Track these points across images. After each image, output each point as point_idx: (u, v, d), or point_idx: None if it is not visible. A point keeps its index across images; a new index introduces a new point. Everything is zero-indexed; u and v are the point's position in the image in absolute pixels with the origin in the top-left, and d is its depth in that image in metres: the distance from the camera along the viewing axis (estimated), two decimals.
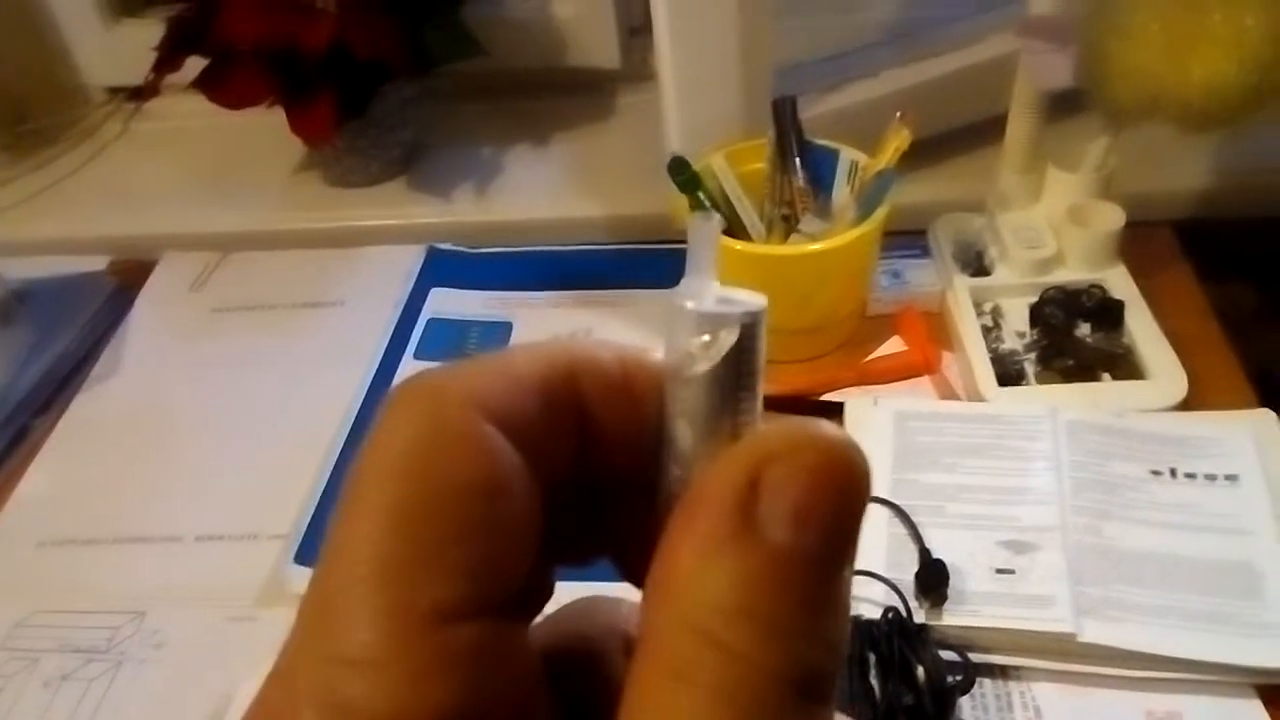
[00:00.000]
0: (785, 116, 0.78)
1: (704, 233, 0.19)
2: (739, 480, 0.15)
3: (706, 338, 0.17)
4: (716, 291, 0.18)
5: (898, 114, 0.74)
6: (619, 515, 0.19)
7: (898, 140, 0.73)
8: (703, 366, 0.17)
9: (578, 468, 0.19)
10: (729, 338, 0.17)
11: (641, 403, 0.19)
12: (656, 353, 0.19)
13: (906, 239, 0.84)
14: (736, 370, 0.17)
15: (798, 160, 0.78)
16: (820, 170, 0.79)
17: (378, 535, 0.16)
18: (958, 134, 0.91)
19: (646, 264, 0.90)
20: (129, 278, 0.94)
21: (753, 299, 0.18)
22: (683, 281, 0.18)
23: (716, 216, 0.19)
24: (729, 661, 0.15)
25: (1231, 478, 0.64)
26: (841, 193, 0.78)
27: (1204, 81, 0.69)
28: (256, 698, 0.17)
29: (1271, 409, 0.70)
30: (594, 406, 0.18)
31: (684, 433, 0.18)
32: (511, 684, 0.16)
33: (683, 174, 0.75)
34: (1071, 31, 0.71)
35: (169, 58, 0.93)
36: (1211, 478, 0.64)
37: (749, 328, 0.17)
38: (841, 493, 0.16)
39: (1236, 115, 0.71)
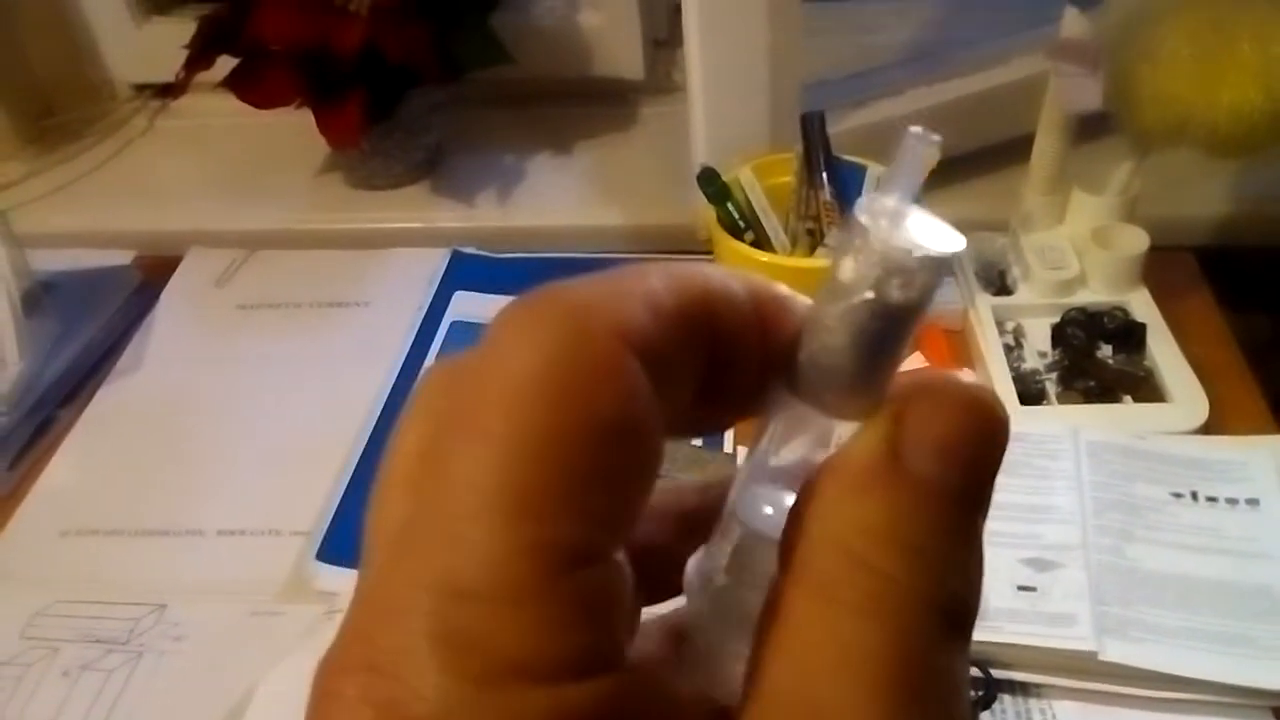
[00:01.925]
0: (814, 131, 0.79)
1: (916, 153, 0.17)
2: (886, 417, 0.16)
3: (900, 277, 0.16)
4: (917, 221, 0.16)
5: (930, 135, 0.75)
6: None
7: (925, 159, 0.73)
8: (895, 298, 0.16)
9: (695, 402, 0.18)
10: (930, 276, 0.16)
11: (770, 340, 0.17)
12: (788, 291, 0.18)
13: None
14: (919, 310, 0.16)
15: (825, 175, 0.78)
16: (846, 186, 0.79)
17: (508, 465, 0.14)
18: (981, 154, 0.91)
19: None
20: (154, 272, 0.95)
21: (949, 234, 0.16)
22: (878, 198, 0.16)
23: (936, 138, 0.17)
24: (878, 581, 0.15)
25: (1252, 502, 0.64)
26: None
27: (1231, 108, 0.69)
28: (345, 631, 0.15)
29: None
30: (723, 341, 0.17)
31: (830, 369, 0.16)
32: (627, 630, 0.16)
33: (713, 185, 0.75)
34: (1102, 55, 0.72)
35: (200, 56, 0.93)
36: (1233, 501, 0.64)
37: (948, 265, 0.16)
38: (983, 433, 0.16)
39: (1263, 143, 0.71)
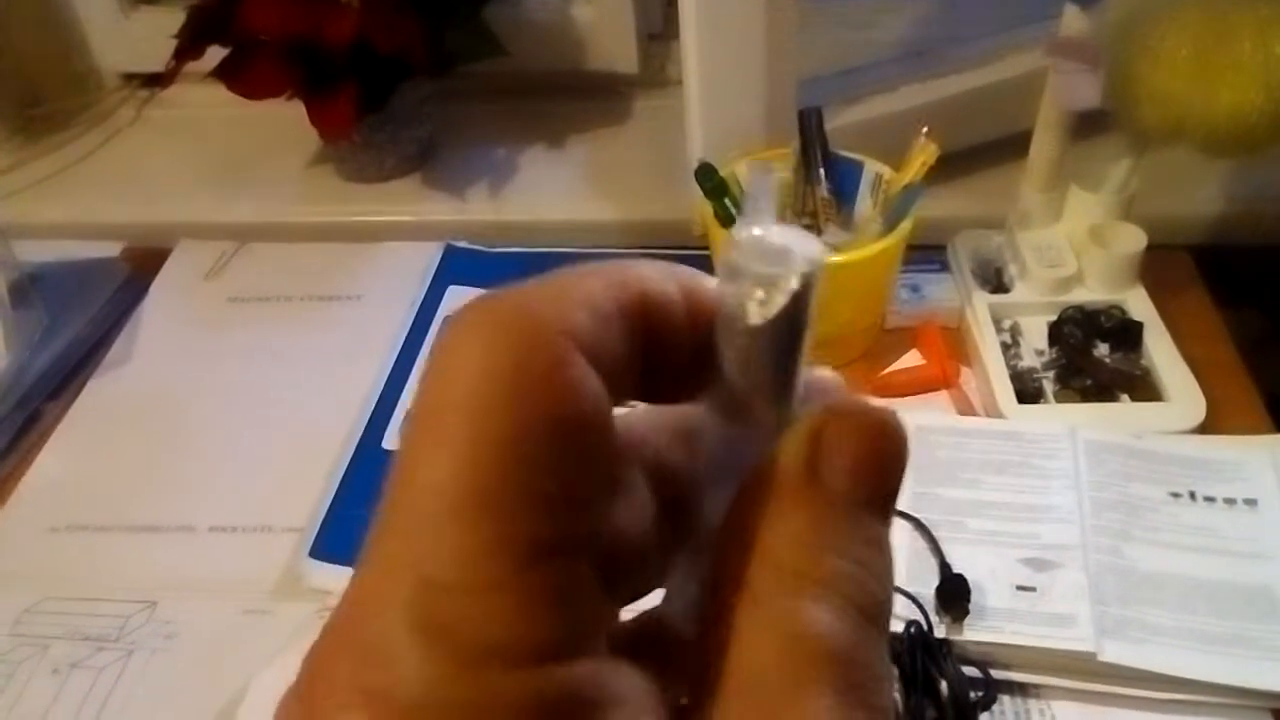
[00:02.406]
0: (811, 127, 0.79)
1: (763, 183, 0.19)
2: (804, 438, 0.18)
3: (762, 293, 0.17)
4: (774, 237, 0.17)
5: (923, 129, 0.75)
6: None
7: (924, 155, 0.73)
8: (756, 320, 0.17)
9: (637, 393, 0.19)
10: (783, 295, 0.17)
11: (698, 336, 0.19)
12: (713, 286, 0.19)
13: (926, 254, 0.85)
14: (790, 324, 0.17)
15: (822, 171, 0.78)
16: (844, 182, 0.79)
17: (471, 467, 0.15)
18: (978, 150, 0.91)
19: None
20: (143, 264, 0.94)
21: (811, 248, 0.17)
22: (739, 226, 0.18)
23: (775, 168, 0.19)
24: (807, 586, 0.17)
25: (1251, 502, 0.64)
26: (864, 205, 0.79)
27: (1231, 108, 0.69)
28: (335, 619, 0.16)
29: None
30: (658, 337, 0.18)
31: (735, 380, 0.18)
32: (595, 624, 0.17)
33: (710, 180, 0.75)
34: (1101, 53, 0.72)
35: (190, 46, 0.92)
36: (1231, 501, 0.64)
37: (807, 280, 0.17)
38: (888, 453, 0.18)
39: (1262, 143, 0.71)
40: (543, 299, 0.17)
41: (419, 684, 0.15)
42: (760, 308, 0.17)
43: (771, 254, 0.17)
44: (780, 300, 0.17)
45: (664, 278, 0.18)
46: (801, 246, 0.17)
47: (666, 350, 0.18)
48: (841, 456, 0.18)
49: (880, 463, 0.18)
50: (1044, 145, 0.79)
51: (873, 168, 0.78)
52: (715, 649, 0.17)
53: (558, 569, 0.16)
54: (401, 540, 0.16)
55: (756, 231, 0.17)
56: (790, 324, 0.17)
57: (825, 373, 0.20)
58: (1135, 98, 0.72)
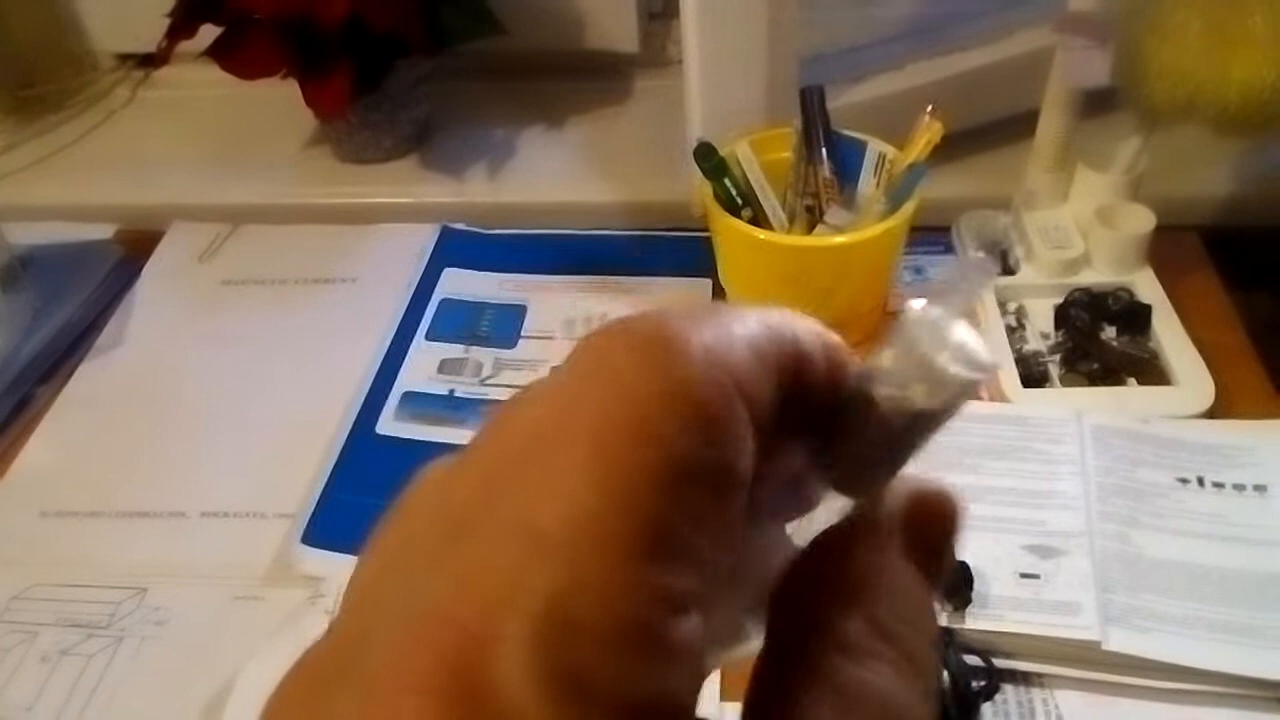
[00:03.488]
0: (813, 106, 0.77)
1: (975, 278, 0.18)
2: (902, 510, 0.19)
3: (926, 386, 0.17)
4: (959, 339, 0.17)
5: (929, 108, 0.73)
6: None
7: (929, 134, 0.72)
8: (919, 403, 0.17)
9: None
10: (955, 398, 0.17)
11: (833, 401, 0.18)
12: (855, 359, 0.19)
13: (930, 235, 0.83)
14: (938, 419, 0.18)
15: (824, 151, 0.77)
16: (846, 162, 0.77)
17: (631, 496, 0.13)
18: (983, 130, 0.90)
19: (662, 250, 0.89)
20: (136, 247, 0.92)
21: (985, 359, 0.17)
22: (929, 307, 0.17)
23: (996, 269, 0.18)
24: (896, 650, 0.17)
25: (1260, 488, 0.63)
26: (867, 185, 0.77)
27: (1242, 84, 0.67)
28: (402, 645, 0.14)
29: None
30: (797, 399, 0.17)
31: (858, 452, 0.18)
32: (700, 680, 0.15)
33: (710, 160, 0.73)
34: (1110, 29, 0.70)
35: (183, 25, 0.91)
36: (1240, 487, 0.63)
37: (974, 388, 0.17)
38: (955, 529, 0.20)
39: (1273, 120, 0.70)
40: (711, 331, 0.15)
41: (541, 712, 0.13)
42: (926, 396, 0.17)
43: (956, 348, 0.17)
44: (948, 397, 0.17)
45: (814, 336, 0.17)
46: (983, 352, 0.17)
47: (800, 411, 0.17)
48: (931, 529, 0.19)
49: (949, 541, 0.19)
50: (1051, 124, 0.77)
51: (876, 147, 0.77)
52: (813, 693, 0.16)
53: (693, 628, 0.14)
54: (536, 563, 0.13)
55: (950, 323, 0.17)
56: (939, 419, 0.18)
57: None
58: (1145, 74, 0.70)
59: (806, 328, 0.17)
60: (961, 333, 0.17)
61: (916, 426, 0.18)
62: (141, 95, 1.13)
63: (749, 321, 0.16)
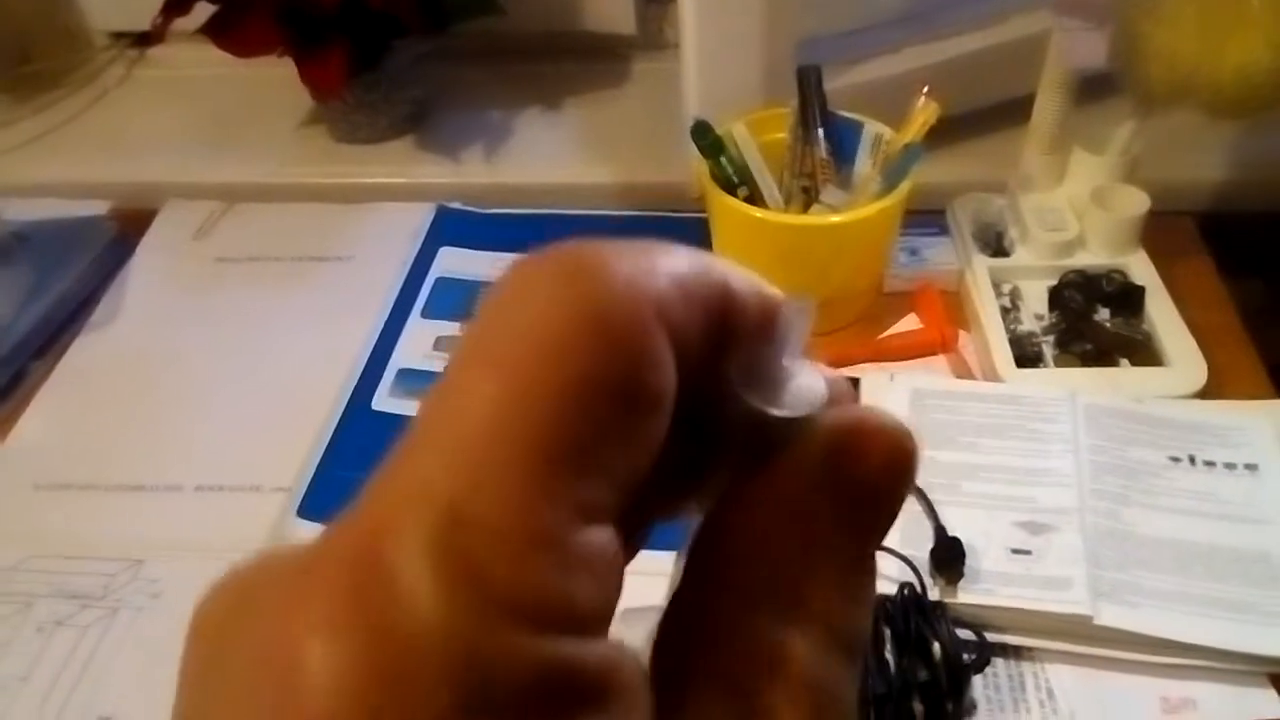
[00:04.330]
0: (810, 86, 0.77)
1: (799, 316, 0.18)
2: (825, 442, 0.17)
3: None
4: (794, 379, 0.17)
5: (924, 89, 0.73)
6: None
7: (925, 114, 0.72)
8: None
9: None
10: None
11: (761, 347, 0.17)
12: (780, 298, 0.18)
13: (926, 218, 0.83)
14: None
15: (821, 131, 0.77)
16: (842, 142, 0.78)
17: (540, 407, 0.14)
18: (979, 114, 0.90)
19: (657, 231, 0.88)
20: (130, 224, 0.92)
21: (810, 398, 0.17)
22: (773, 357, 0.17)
23: (809, 304, 0.18)
24: (793, 609, 0.17)
25: (1251, 467, 0.63)
26: (863, 165, 0.77)
27: (1237, 66, 0.68)
28: (330, 537, 0.14)
29: None
30: (724, 340, 0.17)
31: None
32: (617, 601, 0.15)
33: (707, 138, 0.73)
34: (1108, 11, 0.70)
35: (178, 2, 0.91)
36: (1231, 466, 0.63)
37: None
38: (907, 469, 0.18)
39: (1269, 102, 0.70)
40: (633, 261, 0.15)
41: (429, 621, 0.13)
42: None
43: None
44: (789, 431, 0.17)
45: (747, 283, 0.17)
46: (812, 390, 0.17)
47: (723, 360, 0.17)
48: (865, 467, 0.17)
49: (899, 480, 0.17)
50: (1047, 106, 0.77)
51: (872, 128, 0.77)
52: (697, 644, 0.16)
53: (603, 540, 0.14)
54: (440, 467, 0.14)
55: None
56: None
57: (841, 380, 0.18)
58: (1141, 57, 0.71)
59: (740, 273, 0.17)
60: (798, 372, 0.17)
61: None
62: (137, 74, 1.13)
63: (676, 256, 0.16)
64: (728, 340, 0.17)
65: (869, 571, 0.17)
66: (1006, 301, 0.76)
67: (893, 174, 0.73)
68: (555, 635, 0.14)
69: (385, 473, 0.15)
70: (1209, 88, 0.69)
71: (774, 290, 0.18)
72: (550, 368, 0.14)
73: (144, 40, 1.11)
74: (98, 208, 0.93)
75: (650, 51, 1.09)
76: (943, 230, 0.84)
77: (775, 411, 0.17)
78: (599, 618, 0.14)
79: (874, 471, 0.17)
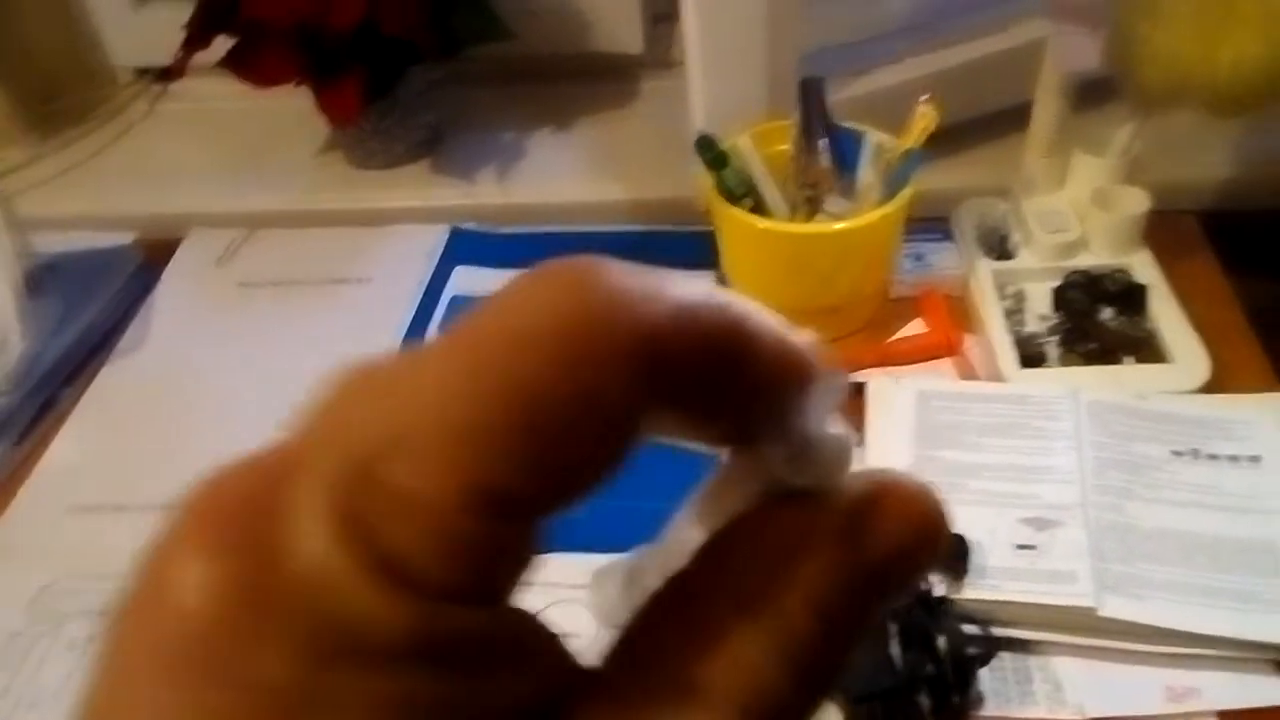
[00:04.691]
0: (812, 97, 0.79)
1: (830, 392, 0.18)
2: (856, 499, 0.17)
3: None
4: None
5: (923, 96, 0.75)
6: None
7: (924, 121, 0.73)
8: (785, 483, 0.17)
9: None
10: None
11: (776, 400, 0.17)
12: (810, 348, 0.18)
13: (930, 224, 0.85)
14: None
15: (824, 141, 0.78)
16: (845, 152, 0.79)
17: (487, 390, 0.14)
18: (982, 121, 0.91)
19: (668, 246, 0.90)
20: (156, 253, 0.95)
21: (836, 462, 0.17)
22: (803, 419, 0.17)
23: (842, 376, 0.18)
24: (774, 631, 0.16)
25: (1254, 459, 0.64)
26: (866, 174, 0.78)
27: (1233, 64, 0.69)
28: (238, 463, 0.15)
29: None
30: (732, 390, 0.16)
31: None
32: (521, 575, 0.16)
33: (710, 152, 0.75)
34: (1102, 14, 0.71)
35: (198, 36, 0.93)
36: (1234, 459, 0.64)
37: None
38: (931, 543, 0.18)
39: (1262, 100, 0.71)
40: (635, 283, 0.15)
41: (308, 563, 0.13)
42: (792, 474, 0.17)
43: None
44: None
45: (763, 328, 0.17)
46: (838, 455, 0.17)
47: (734, 389, 0.17)
48: (887, 532, 0.17)
49: (922, 554, 0.17)
50: (1046, 110, 0.79)
51: (874, 137, 0.78)
52: (680, 630, 0.16)
53: (510, 534, 0.14)
54: (371, 421, 0.14)
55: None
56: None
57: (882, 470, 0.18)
58: (1137, 58, 0.72)
59: (761, 316, 0.17)
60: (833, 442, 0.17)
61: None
62: (160, 108, 1.16)
63: (686, 287, 0.16)
64: (742, 382, 0.16)
65: (861, 630, 0.17)
66: (1011, 303, 0.77)
67: (894, 181, 0.74)
68: (436, 603, 0.14)
69: (328, 406, 0.15)
70: (1205, 87, 0.70)
71: (802, 338, 0.17)
72: (511, 364, 0.14)
73: (166, 75, 1.13)
74: (123, 238, 0.96)
75: (658, 70, 1.10)
76: (947, 236, 0.85)
77: (796, 479, 0.17)
78: (489, 594, 0.15)
79: (899, 536, 0.17)
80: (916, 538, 0.17)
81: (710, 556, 0.17)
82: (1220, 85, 0.69)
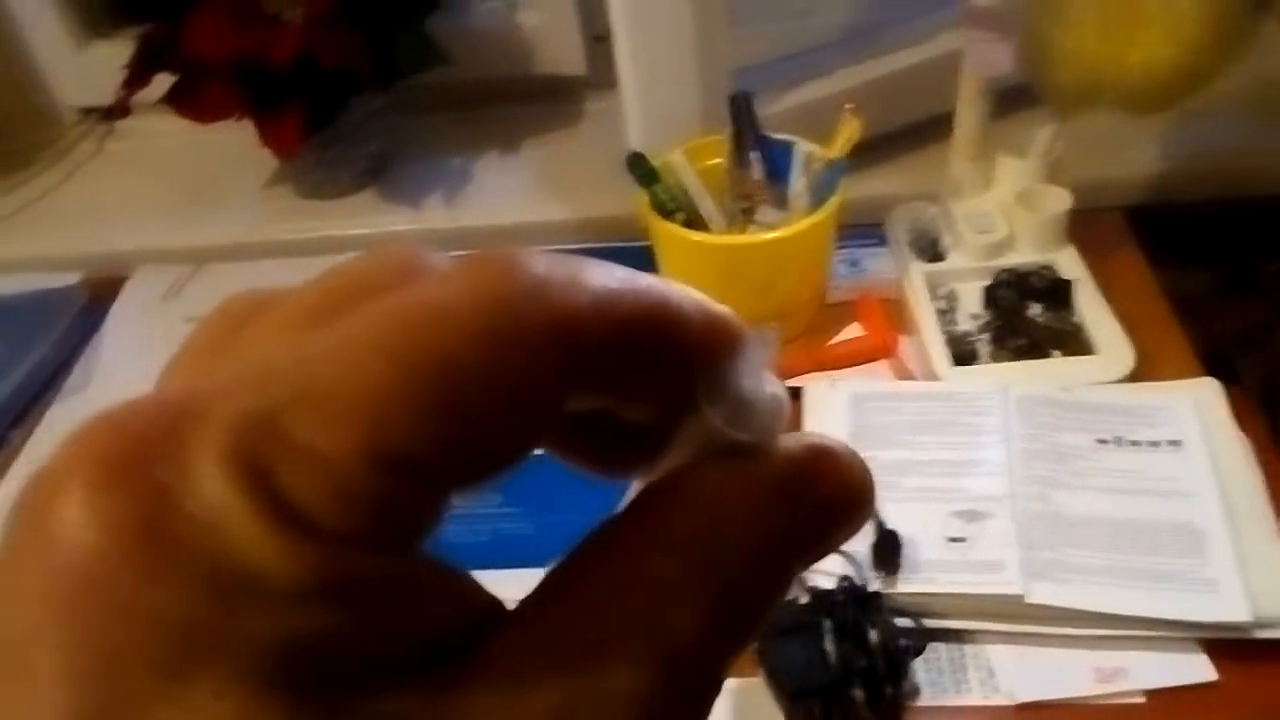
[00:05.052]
0: (742, 112, 0.80)
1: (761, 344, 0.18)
2: (795, 458, 0.17)
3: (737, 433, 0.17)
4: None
5: (847, 106, 0.76)
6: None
7: (848, 131, 0.75)
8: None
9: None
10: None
11: (701, 370, 0.17)
12: (741, 326, 0.18)
13: (865, 230, 0.86)
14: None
15: (755, 154, 0.80)
16: (777, 163, 0.81)
17: (408, 354, 0.14)
18: (911, 129, 0.93)
19: (611, 261, 0.91)
20: (103, 291, 0.95)
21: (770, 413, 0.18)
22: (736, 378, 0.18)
23: (773, 331, 0.18)
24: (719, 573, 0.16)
25: (1175, 443, 0.66)
26: (798, 184, 0.80)
27: (1141, 64, 0.71)
28: (131, 403, 0.14)
29: (1224, 384, 0.72)
30: (661, 368, 0.17)
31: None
32: (431, 526, 0.15)
33: (641, 169, 0.76)
34: (1013, 20, 0.73)
35: (138, 75, 0.94)
36: (1155, 444, 0.66)
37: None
38: (861, 510, 0.18)
39: (1175, 97, 0.73)
40: (555, 271, 0.15)
41: (209, 503, 0.13)
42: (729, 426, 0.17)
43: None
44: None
45: (690, 309, 0.17)
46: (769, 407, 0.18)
47: (663, 367, 0.17)
48: (822, 493, 0.17)
49: (852, 517, 0.17)
50: (968, 115, 0.81)
51: (804, 148, 0.80)
52: (590, 577, 0.16)
53: (415, 495, 0.14)
54: (284, 372, 0.14)
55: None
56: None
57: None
58: (1049, 62, 0.74)
59: (683, 293, 0.17)
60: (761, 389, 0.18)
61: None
62: (107, 148, 1.16)
63: (606, 273, 0.16)
64: (671, 360, 0.17)
65: (784, 586, 0.17)
66: (943, 304, 0.79)
67: (822, 191, 0.76)
68: (335, 549, 0.14)
69: (244, 342, 0.15)
70: (1118, 88, 0.72)
71: (723, 309, 0.18)
72: (428, 335, 0.14)
73: (111, 114, 1.14)
74: (70, 279, 0.96)
75: (601, 90, 1.12)
76: (882, 241, 0.87)
77: (738, 435, 0.17)
78: (393, 544, 0.15)
79: (830, 498, 0.17)
80: (848, 501, 0.17)
81: (643, 505, 0.17)
82: (1132, 86, 0.71)
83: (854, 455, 0.18)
